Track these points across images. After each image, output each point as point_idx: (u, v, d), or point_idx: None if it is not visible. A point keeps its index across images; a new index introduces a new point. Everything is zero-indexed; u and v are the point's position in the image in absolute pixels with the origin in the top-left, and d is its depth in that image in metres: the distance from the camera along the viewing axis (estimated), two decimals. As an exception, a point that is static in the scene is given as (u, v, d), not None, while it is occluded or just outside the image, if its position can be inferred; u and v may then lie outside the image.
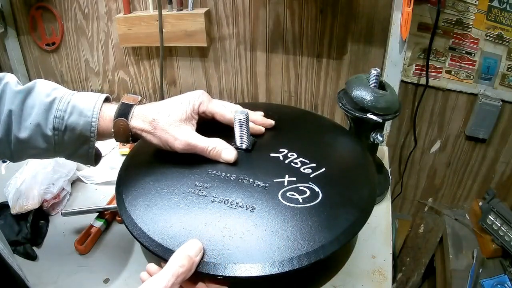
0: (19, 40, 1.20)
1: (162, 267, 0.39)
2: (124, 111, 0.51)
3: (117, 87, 1.19)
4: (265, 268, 0.42)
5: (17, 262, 0.41)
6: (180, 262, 0.39)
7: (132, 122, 0.51)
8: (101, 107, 0.50)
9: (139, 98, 0.54)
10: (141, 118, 0.52)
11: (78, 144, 0.51)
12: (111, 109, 0.52)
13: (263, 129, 0.61)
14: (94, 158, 0.54)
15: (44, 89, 0.49)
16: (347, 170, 0.57)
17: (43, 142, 0.49)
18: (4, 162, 0.88)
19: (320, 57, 0.98)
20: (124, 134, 0.52)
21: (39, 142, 0.49)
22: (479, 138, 0.99)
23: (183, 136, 0.52)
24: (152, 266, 0.43)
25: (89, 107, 0.49)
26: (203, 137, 0.53)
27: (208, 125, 0.58)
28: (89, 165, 0.55)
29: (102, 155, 0.90)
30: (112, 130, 0.51)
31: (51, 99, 0.48)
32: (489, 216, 0.97)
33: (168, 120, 0.52)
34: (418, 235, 1.14)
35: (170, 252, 0.44)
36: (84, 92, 0.52)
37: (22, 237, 0.66)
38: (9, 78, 0.49)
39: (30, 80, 0.51)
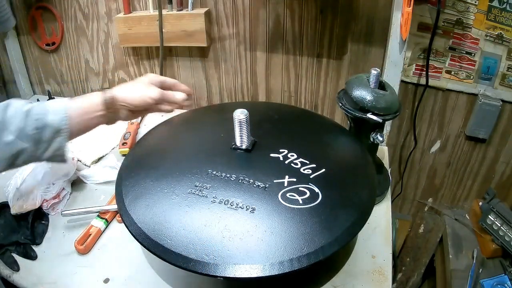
0: (19, 40, 1.20)
1: None
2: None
3: (117, 87, 1.19)
4: (264, 269, 0.42)
5: None
6: None
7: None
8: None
9: None
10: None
11: (54, 137, 0.55)
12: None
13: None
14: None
15: (19, 103, 0.56)
16: (347, 171, 0.57)
17: (26, 142, 0.54)
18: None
19: (320, 57, 0.98)
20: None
21: (23, 142, 0.54)
22: (479, 138, 0.99)
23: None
24: None
25: (59, 106, 0.56)
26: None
27: (207, 124, 0.58)
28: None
29: (102, 155, 0.91)
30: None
31: (28, 108, 0.55)
32: (489, 216, 0.97)
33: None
34: (418, 235, 1.14)
35: (170, 252, 0.44)
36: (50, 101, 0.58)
37: (22, 237, 0.67)
38: None
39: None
